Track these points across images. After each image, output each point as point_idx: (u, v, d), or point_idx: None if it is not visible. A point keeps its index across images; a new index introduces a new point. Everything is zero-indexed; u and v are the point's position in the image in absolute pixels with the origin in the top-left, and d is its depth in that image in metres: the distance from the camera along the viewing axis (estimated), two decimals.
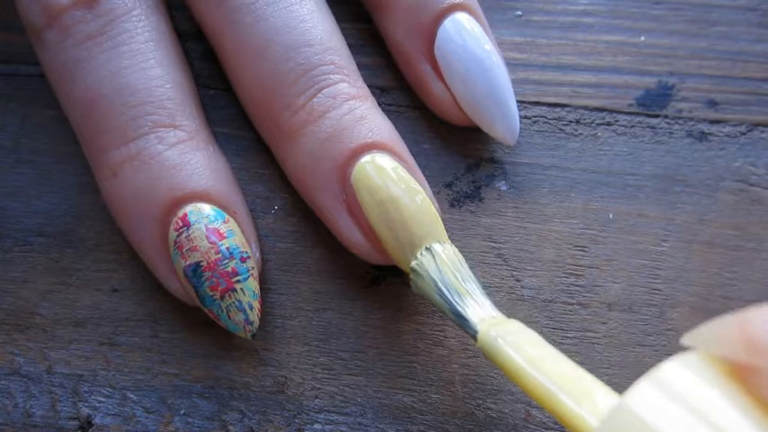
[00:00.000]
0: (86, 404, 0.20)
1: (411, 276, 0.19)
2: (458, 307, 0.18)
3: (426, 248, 0.19)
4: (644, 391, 0.12)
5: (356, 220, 0.20)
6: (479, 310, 0.18)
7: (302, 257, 0.22)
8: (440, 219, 0.20)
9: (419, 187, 0.20)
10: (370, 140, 0.20)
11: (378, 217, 0.19)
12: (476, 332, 0.17)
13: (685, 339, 0.13)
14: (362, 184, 0.19)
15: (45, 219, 0.22)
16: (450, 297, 0.18)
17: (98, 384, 0.21)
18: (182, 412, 0.20)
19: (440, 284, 0.18)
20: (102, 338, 0.21)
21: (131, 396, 0.21)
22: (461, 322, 0.18)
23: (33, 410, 0.20)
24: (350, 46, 0.22)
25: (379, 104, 0.22)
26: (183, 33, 0.23)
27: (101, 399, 0.21)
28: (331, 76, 0.20)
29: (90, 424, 0.20)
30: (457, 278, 0.18)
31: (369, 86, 0.22)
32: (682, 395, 0.12)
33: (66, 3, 0.20)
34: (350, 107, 0.20)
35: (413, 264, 0.19)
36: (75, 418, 0.20)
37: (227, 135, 0.23)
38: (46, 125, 0.23)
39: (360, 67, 0.22)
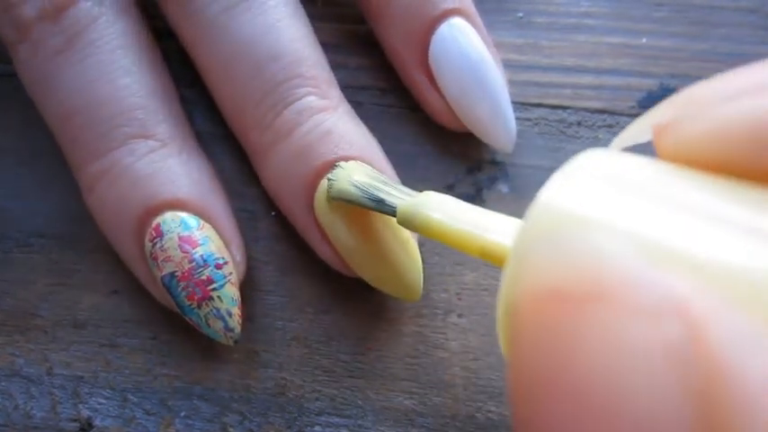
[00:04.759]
0: (87, 406, 0.20)
1: (327, 186, 0.19)
2: (374, 192, 0.18)
3: (336, 164, 0.19)
4: (559, 181, 0.10)
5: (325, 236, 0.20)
6: (396, 192, 0.18)
7: (302, 260, 0.22)
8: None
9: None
10: (334, 157, 0.19)
11: None
12: (394, 207, 0.17)
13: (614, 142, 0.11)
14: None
15: (45, 220, 0.22)
16: (364, 188, 0.18)
17: (98, 386, 0.21)
18: (182, 414, 0.20)
19: (353, 181, 0.18)
20: (102, 340, 0.21)
21: (132, 398, 0.21)
22: (379, 205, 0.18)
23: (34, 412, 0.20)
24: (349, 47, 0.22)
25: (380, 106, 0.22)
26: (171, 32, 0.23)
27: (101, 400, 0.21)
28: (297, 91, 0.20)
29: (90, 425, 0.20)
30: (369, 176, 0.18)
31: (369, 88, 0.21)
32: (610, 174, 0.10)
33: (32, 16, 0.20)
34: (315, 122, 0.20)
35: (328, 175, 0.19)
36: (75, 420, 0.20)
37: (223, 136, 0.23)
38: (46, 127, 0.23)
39: (359, 67, 0.22)
